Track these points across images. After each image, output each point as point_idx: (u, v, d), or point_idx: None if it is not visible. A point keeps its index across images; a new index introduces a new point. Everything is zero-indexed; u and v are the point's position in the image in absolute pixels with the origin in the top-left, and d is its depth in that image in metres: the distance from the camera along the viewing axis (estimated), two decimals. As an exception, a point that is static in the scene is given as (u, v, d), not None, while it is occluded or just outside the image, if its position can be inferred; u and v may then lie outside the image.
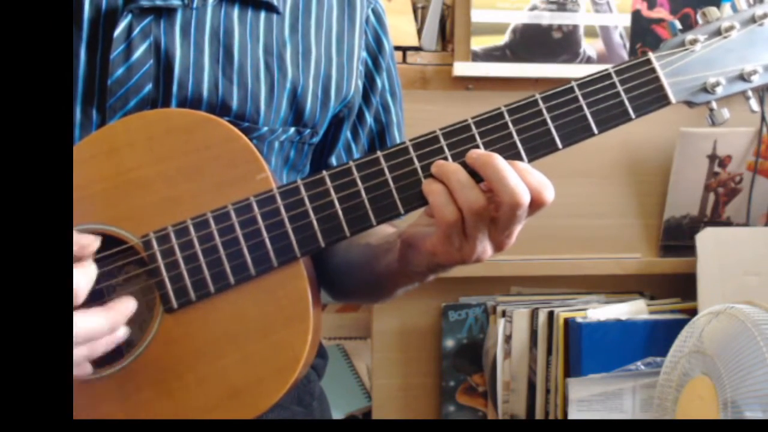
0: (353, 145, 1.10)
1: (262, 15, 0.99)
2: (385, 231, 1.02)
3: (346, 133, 1.10)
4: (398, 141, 1.13)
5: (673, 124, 1.77)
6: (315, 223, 0.86)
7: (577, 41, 1.78)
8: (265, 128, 0.98)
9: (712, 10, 0.90)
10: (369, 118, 1.10)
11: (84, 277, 0.79)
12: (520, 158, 0.86)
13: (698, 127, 1.77)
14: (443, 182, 0.84)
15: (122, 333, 0.82)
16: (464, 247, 0.84)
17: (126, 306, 0.83)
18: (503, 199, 0.81)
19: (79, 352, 0.79)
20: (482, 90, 1.79)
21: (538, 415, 1.76)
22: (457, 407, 1.84)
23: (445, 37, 1.82)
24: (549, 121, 0.86)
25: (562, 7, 1.77)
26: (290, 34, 1.00)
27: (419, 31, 1.81)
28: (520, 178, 0.82)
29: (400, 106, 1.15)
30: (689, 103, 0.89)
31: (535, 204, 0.82)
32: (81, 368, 0.81)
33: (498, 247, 0.85)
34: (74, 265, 0.79)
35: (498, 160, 0.82)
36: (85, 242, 0.81)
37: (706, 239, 1.76)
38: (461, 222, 0.83)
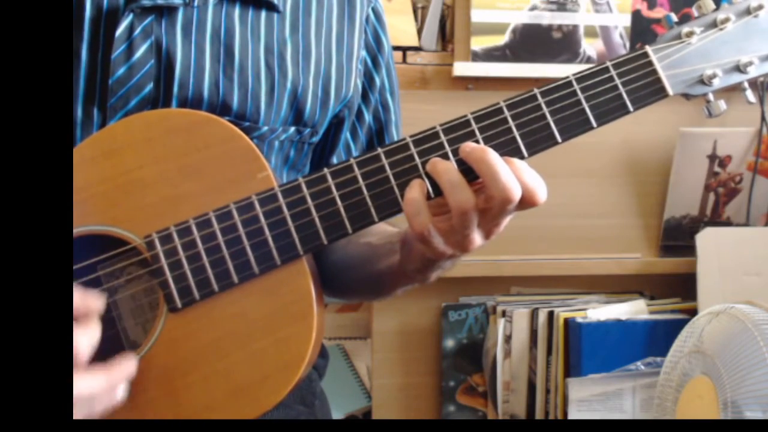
0: (352, 144, 1.10)
1: (263, 14, 0.99)
2: (387, 231, 1.02)
3: (346, 133, 1.10)
4: (396, 139, 1.13)
5: (673, 124, 1.77)
6: (317, 220, 0.86)
7: (577, 41, 1.78)
8: (266, 128, 0.98)
9: (707, 2, 0.90)
10: (368, 117, 1.11)
11: (85, 338, 0.77)
12: (520, 153, 0.86)
13: (698, 127, 1.77)
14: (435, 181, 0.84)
15: (121, 394, 0.81)
16: (450, 239, 0.84)
17: (126, 366, 0.81)
18: (494, 194, 0.81)
19: (78, 413, 0.77)
20: (482, 90, 1.79)
21: (538, 415, 1.76)
22: (457, 407, 1.84)
23: (445, 37, 1.83)
24: (548, 115, 0.86)
25: (562, 7, 1.77)
26: (291, 34, 1.00)
27: (419, 31, 1.81)
28: (514, 175, 0.81)
29: (399, 105, 1.15)
30: (686, 96, 0.90)
31: (527, 202, 0.82)
32: None
33: (486, 235, 0.85)
34: (77, 324, 0.77)
35: (490, 155, 0.82)
36: (90, 301, 0.79)
37: (706, 239, 1.76)
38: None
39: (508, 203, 0.81)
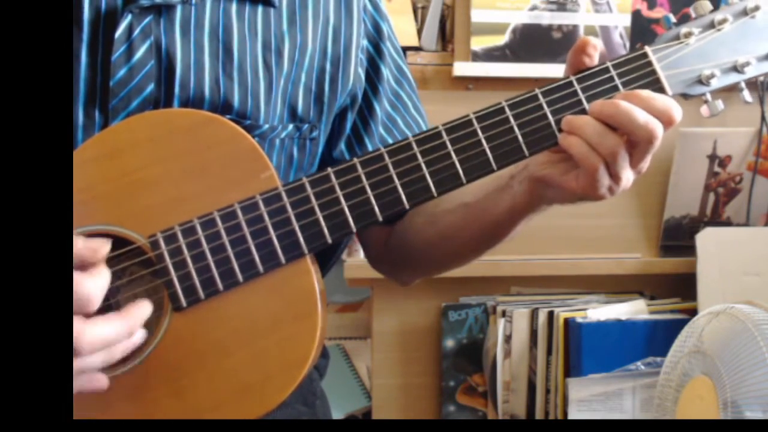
0: (366, 138, 1.10)
1: (260, 9, 0.99)
2: (476, 188, 1.00)
3: (355, 124, 1.09)
4: (420, 124, 1.14)
5: (673, 124, 1.77)
6: (321, 219, 0.86)
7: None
8: (266, 125, 0.98)
9: (704, 4, 0.91)
10: (380, 111, 1.10)
11: (96, 282, 0.78)
12: (522, 152, 0.88)
13: (698, 127, 1.77)
14: (578, 135, 0.86)
15: (139, 337, 0.82)
16: (613, 185, 0.87)
17: (142, 310, 0.82)
18: (640, 138, 0.85)
19: (97, 359, 0.79)
20: (482, 90, 1.79)
21: (538, 415, 1.75)
22: (457, 407, 1.83)
23: (445, 37, 1.83)
24: (549, 114, 0.88)
25: (562, 7, 1.77)
26: (288, 28, 1.00)
27: (419, 31, 1.81)
28: (646, 110, 0.85)
29: (411, 88, 1.15)
30: (685, 95, 0.91)
31: (667, 128, 0.86)
32: (97, 380, 0.80)
33: (638, 172, 0.89)
34: (86, 270, 0.78)
35: (621, 105, 0.85)
36: (96, 246, 0.80)
37: (706, 239, 1.76)
38: (607, 165, 0.86)
39: (654, 140, 0.85)
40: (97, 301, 0.78)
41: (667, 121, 0.85)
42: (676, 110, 0.86)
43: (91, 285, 0.78)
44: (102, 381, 0.81)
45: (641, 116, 0.84)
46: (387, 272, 1.19)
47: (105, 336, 0.78)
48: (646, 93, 0.86)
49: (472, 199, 1.00)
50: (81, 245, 0.79)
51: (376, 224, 0.87)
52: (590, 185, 0.87)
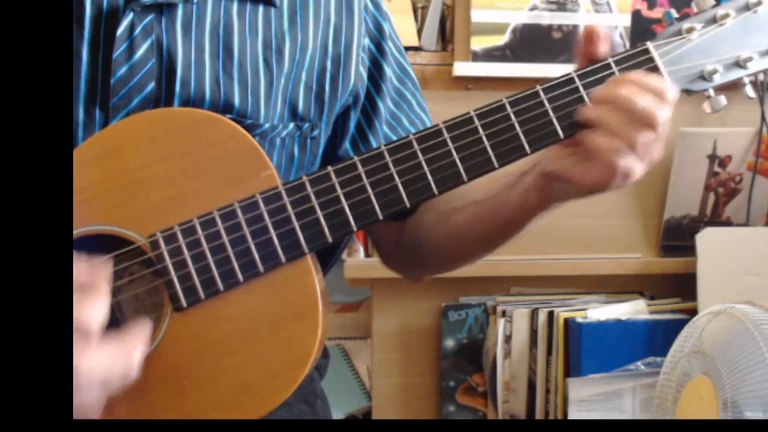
0: (371, 136, 1.10)
1: (261, 9, 0.99)
2: (487, 185, 1.01)
3: (359, 123, 1.09)
4: (425, 121, 1.14)
5: (674, 124, 1.76)
6: (321, 218, 0.86)
7: (577, 41, 1.78)
8: (267, 125, 0.98)
9: None
10: (383, 109, 1.10)
11: (96, 309, 0.76)
12: (523, 149, 0.87)
13: (698, 127, 1.77)
14: (599, 124, 0.86)
15: (137, 368, 0.79)
16: (625, 176, 0.87)
17: (141, 334, 0.80)
18: (644, 122, 0.85)
19: (95, 394, 0.76)
20: (482, 90, 1.79)
21: (538, 415, 1.75)
22: (457, 407, 1.83)
23: (445, 37, 1.82)
24: (550, 111, 0.88)
25: (562, 7, 1.77)
26: (289, 27, 1.00)
27: (419, 31, 1.81)
28: (644, 91, 0.85)
29: (414, 86, 1.15)
30: (688, 91, 0.91)
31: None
32: (93, 412, 0.78)
33: (649, 162, 0.89)
34: (86, 294, 0.76)
35: (622, 93, 0.85)
36: (98, 271, 0.78)
37: (706, 239, 1.76)
38: (622, 155, 0.85)
39: (655, 126, 0.85)
40: (94, 328, 0.75)
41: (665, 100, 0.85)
42: (670, 89, 0.86)
43: (89, 312, 0.75)
44: (97, 413, 0.78)
45: (643, 101, 0.84)
46: (400, 269, 1.20)
47: (102, 367, 0.76)
48: (637, 75, 0.86)
49: (483, 196, 1.00)
50: (81, 268, 0.77)
51: (376, 223, 0.87)
52: (601, 177, 0.87)
